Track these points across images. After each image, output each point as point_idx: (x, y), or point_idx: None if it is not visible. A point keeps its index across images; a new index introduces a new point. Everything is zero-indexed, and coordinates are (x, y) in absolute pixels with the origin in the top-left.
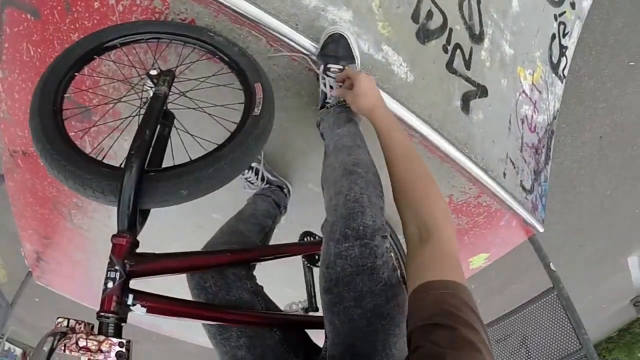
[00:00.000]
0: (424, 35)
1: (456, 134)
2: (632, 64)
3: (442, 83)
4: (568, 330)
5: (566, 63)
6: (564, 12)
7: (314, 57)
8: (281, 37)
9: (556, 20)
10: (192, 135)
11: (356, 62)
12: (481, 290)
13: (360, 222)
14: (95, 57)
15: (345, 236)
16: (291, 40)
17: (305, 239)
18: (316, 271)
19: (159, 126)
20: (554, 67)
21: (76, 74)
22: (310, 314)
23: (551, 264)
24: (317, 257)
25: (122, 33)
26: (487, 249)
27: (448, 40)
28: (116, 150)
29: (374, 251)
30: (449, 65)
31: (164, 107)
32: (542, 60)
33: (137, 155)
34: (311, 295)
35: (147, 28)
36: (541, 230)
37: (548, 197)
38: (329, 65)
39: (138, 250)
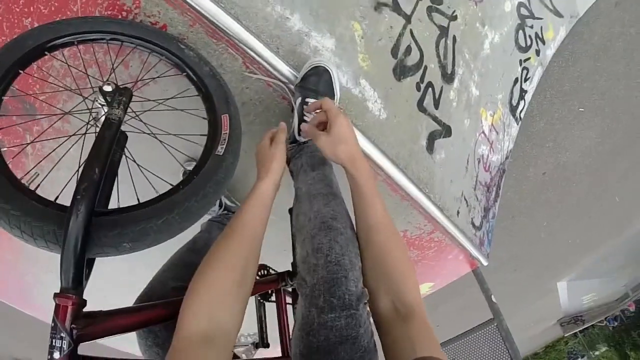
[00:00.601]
0: (401, 71)
1: (419, 174)
2: (582, 110)
3: (411, 121)
4: (505, 359)
5: (524, 106)
6: (529, 57)
7: (292, 87)
8: (260, 60)
9: (521, 65)
10: (142, 169)
11: (335, 98)
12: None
13: (345, 290)
14: (46, 53)
15: (331, 306)
16: (270, 65)
17: (260, 273)
18: (268, 306)
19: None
20: (513, 110)
21: (21, 71)
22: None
23: (492, 296)
24: (270, 292)
25: (82, 28)
26: (433, 278)
27: (422, 78)
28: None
29: (359, 321)
30: (420, 104)
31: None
32: (503, 103)
33: (85, 197)
34: (263, 332)
35: (112, 27)
36: (485, 263)
37: None
38: (307, 100)
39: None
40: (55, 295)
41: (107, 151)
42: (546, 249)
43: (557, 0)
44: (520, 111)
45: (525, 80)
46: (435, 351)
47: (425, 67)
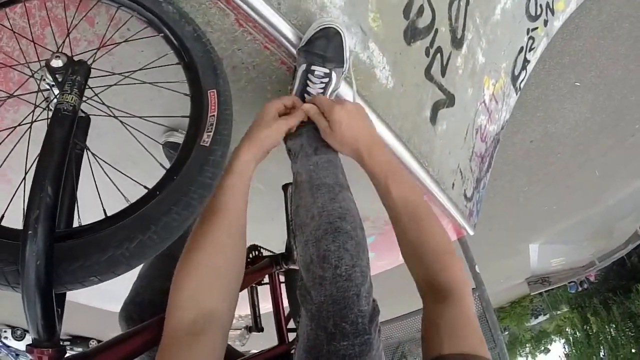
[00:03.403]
0: (412, 34)
1: (420, 147)
2: (578, 84)
3: (417, 90)
4: (484, 329)
5: (525, 76)
6: (537, 27)
7: (294, 50)
8: (256, 17)
9: (528, 34)
10: (109, 175)
11: (345, 66)
12: (406, 283)
13: (358, 312)
14: None
15: (343, 333)
16: (269, 23)
17: (251, 255)
18: (261, 289)
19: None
20: (514, 79)
21: None
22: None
23: (476, 266)
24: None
25: None
26: None
27: (432, 43)
28: None
29: (372, 345)
30: (427, 71)
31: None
32: (506, 72)
33: (41, 224)
34: (256, 316)
35: None
36: (472, 233)
37: None
38: (313, 67)
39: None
40: (28, 350)
41: (61, 156)
42: (523, 212)
43: None
44: (521, 81)
45: (530, 50)
46: (463, 341)
47: (437, 31)
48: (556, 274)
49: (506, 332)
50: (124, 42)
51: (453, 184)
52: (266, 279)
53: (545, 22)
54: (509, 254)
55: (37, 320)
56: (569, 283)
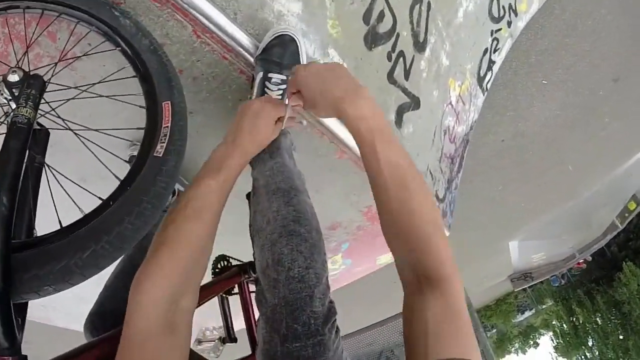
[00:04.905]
0: (372, 39)
1: None
2: (545, 82)
3: (380, 94)
4: None
5: (491, 77)
6: (500, 28)
7: (252, 59)
8: (213, 28)
9: (492, 35)
10: (61, 184)
11: None
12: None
13: (310, 313)
14: None
15: (294, 334)
16: (226, 33)
17: (220, 265)
18: (231, 299)
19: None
20: (480, 80)
21: None
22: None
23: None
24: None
25: None
26: None
27: (393, 47)
28: None
29: (327, 346)
30: (390, 75)
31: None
32: (472, 73)
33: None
34: (228, 326)
35: None
36: (447, 233)
37: None
38: (270, 75)
39: None
40: None
41: (17, 167)
42: (499, 211)
43: None
44: (487, 82)
45: (495, 51)
46: (448, 345)
47: (398, 35)
48: (538, 269)
49: (494, 330)
50: (82, 55)
51: None
52: (237, 289)
53: (509, 23)
54: (490, 253)
55: (3, 341)
56: (550, 277)
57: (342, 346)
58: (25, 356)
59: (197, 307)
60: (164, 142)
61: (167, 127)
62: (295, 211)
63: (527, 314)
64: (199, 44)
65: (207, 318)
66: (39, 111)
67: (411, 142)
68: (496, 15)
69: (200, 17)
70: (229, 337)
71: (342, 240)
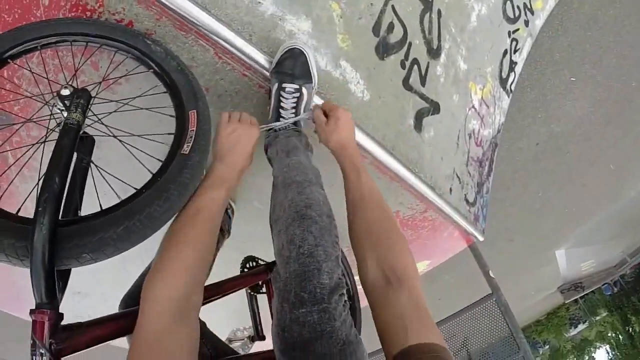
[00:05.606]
0: (384, 49)
1: (407, 154)
2: (573, 79)
3: (397, 101)
4: (506, 334)
5: (514, 78)
6: (518, 29)
7: (267, 74)
8: (232, 49)
9: (509, 36)
10: (101, 172)
11: (313, 81)
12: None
13: (317, 283)
14: (9, 61)
15: (301, 301)
16: (243, 53)
17: (248, 265)
18: (260, 298)
19: (74, 159)
20: (503, 82)
21: None
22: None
23: (490, 271)
24: (260, 283)
25: (44, 32)
26: (429, 256)
27: (406, 55)
28: None
29: (332, 314)
30: (406, 82)
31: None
32: (493, 76)
33: (48, 209)
34: (257, 324)
35: (75, 28)
36: (481, 239)
37: None
38: (284, 85)
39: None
40: (31, 312)
41: (67, 159)
42: (542, 218)
43: None
44: (511, 83)
45: (515, 51)
46: (427, 331)
47: (410, 44)
48: (588, 277)
49: (546, 346)
50: (122, 77)
51: (451, 189)
52: (264, 289)
53: (526, 23)
54: (536, 264)
55: (41, 287)
56: (602, 285)
57: (352, 321)
58: (62, 314)
59: (224, 296)
60: (189, 143)
61: (193, 130)
62: (308, 198)
63: (581, 327)
64: (221, 64)
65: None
66: (87, 119)
67: (433, 145)
68: (512, 15)
69: (220, 41)
70: (258, 335)
71: None
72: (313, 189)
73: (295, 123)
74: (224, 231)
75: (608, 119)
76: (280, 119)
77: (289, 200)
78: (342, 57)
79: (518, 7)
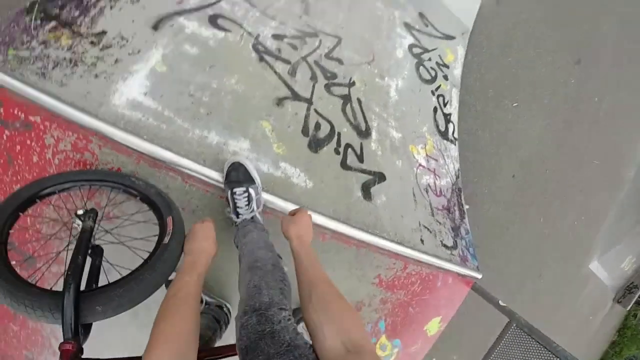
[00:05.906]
0: (316, 144)
1: (364, 220)
2: (516, 104)
3: (339, 181)
4: (539, 349)
5: (454, 128)
6: (439, 85)
7: (222, 186)
8: (193, 173)
9: (434, 95)
10: (112, 264)
11: (256, 182)
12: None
13: (257, 300)
14: (37, 200)
15: (245, 312)
16: (201, 174)
17: None
18: None
19: (90, 258)
20: (444, 135)
21: (20, 213)
22: None
23: (500, 301)
24: None
25: (59, 181)
26: (437, 312)
27: (338, 143)
28: None
29: (270, 319)
30: (343, 164)
31: (93, 241)
32: (431, 132)
33: (73, 277)
34: None
35: (80, 176)
36: (479, 277)
37: (487, 246)
38: (234, 190)
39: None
40: (60, 345)
41: (86, 246)
42: (557, 241)
43: (443, 26)
44: (452, 133)
45: (445, 105)
46: None
47: (339, 133)
48: (636, 273)
49: None
50: (119, 203)
51: (422, 240)
52: None
53: (445, 77)
54: (577, 287)
55: (68, 329)
56: None
57: (298, 331)
58: (82, 348)
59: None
60: (168, 236)
61: (170, 229)
62: (255, 257)
63: None
64: (188, 187)
65: None
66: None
67: (389, 207)
68: (428, 77)
69: (183, 169)
70: None
71: (375, 320)
72: (262, 252)
73: (252, 218)
74: (220, 322)
75: (568, 122)
76: (239, 216)
77: (244, 264)
78: (280, 160)
79: (432, 67)
